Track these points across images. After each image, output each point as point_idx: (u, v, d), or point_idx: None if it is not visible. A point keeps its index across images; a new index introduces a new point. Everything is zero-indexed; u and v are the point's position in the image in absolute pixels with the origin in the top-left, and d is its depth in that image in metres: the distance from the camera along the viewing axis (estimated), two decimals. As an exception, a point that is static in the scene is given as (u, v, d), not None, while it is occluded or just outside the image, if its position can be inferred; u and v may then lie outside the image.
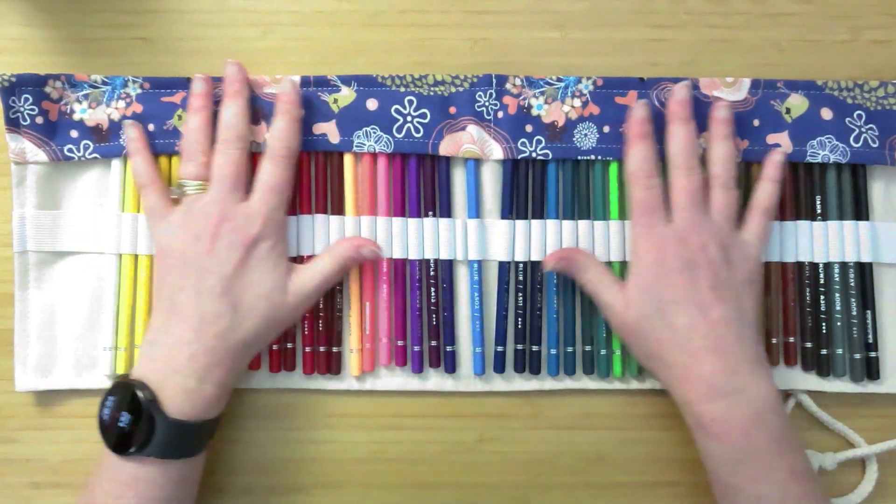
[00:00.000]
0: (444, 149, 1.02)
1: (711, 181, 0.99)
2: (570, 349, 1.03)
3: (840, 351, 1.03)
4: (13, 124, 1.02)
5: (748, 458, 0.91)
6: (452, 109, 1.02)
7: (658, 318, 0.95)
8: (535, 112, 1.02)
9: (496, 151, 1.02)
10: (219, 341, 0.93)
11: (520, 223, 1.03)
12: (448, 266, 1.03)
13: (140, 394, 0.90)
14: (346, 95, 1.02)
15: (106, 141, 1.02)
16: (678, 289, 0.94)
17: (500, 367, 1.03)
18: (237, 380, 0.99)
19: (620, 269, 1.03)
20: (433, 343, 1.03)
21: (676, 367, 0.94)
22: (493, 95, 1.02)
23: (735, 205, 0.99)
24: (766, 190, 1.01)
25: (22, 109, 1.01)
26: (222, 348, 0.93)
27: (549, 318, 1.03)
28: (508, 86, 1.03)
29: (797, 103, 1.03)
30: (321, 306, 1.03)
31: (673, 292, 0.94)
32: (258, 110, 1.02)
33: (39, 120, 1.02)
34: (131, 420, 0.90)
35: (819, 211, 1.04)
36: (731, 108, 1.01)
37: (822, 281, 1.03)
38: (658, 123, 1.01)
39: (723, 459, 0.92)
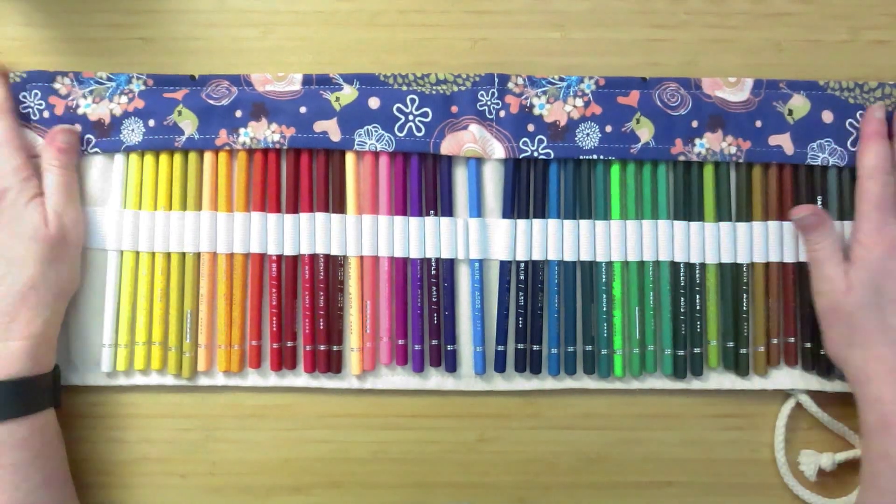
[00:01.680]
0: (446, 148, 1.02)
1: None
2: (570, 349, 1.02)
3: (839, 351, 1.02)
4: (24, 118, 1.03)
5: None
6: (454, 108, 1.02)
7: (875, 311, 0.95)
8: (536, 111, 1.02)
9: (498, 151, 1.02)
10: (6, 300, 0.94)
11: (521, 223, 1.03)
12: (449, 265, 1.03)
13: None
14: (348, 94, 1.02)
15: (107, 136, 1.03)
16: None
17: (500, 367, 1.03)
18: (49, 328, 0.97)
19: (621, 269, 1.03)
20: (434, 342, 1.03)
21: (879, 363, 0.94)
22: (495, 95, 1.02)
23: None
24: None
25: (32, 104, 1.02)
26: (13, 304, 0.94)
27: (549, 318, 1.03)
28: (510, 85, 1.03)
29: (799, 105, 1.03)
30: (322, 305, 1.03)
31: (894, 291, 0.95)
32: (259, 107, 1.02)
33: (46, 114, 1.03)
34: None
35: (820, 211, 1.03)
36: None
37: (822, 281, 1.03)
38: (659, 120, 1.02)
39: None
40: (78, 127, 1.02)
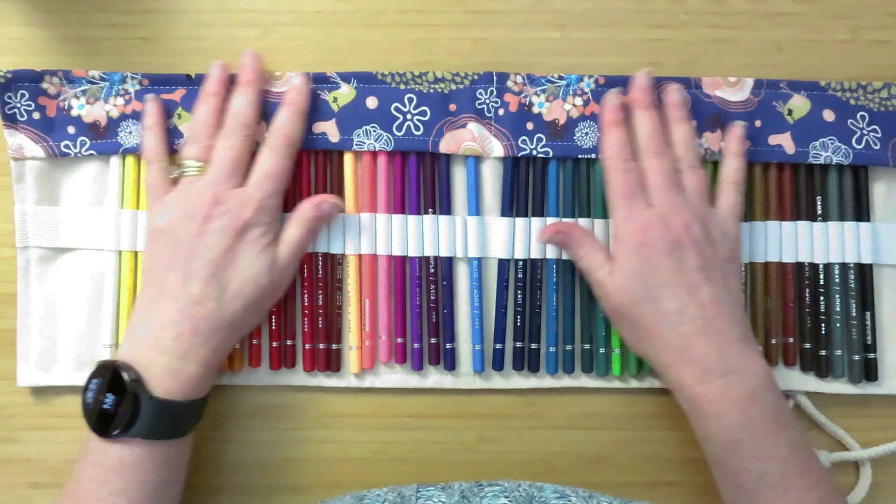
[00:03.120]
0: (445, 146, 1.02)
1: (678, 164, 0.99)
2: (568, 347, 1.03)
3: (839, 352, 1.03)
4: (10, 120, 1.02)
5: (748, 437, 0.90)
6: (453, 107, 1.03)
7: (647, 302, 0.94)
8: (536, 110, 1.03)
9: (497, 149, 1.02)
10: (204, 323, 0.92)
11: (520, 221, 1.03)
12: (448, 263, 1.03)
13: (124, 374, 0.89)
14: (346, 93, 1.02)
15: (103, 138, 1.03)
16: (665, 271, 0.94)
17: (498, 365, 1.03)
18: (222, 360, 0.97)
19: (620, 268, 1.02)
20: (433, 340, 1.03)
21: (669, 352, 0.94)
22: (494, 93, 1.02)
23: (705, 183, 0.99)
24: (732, 164, 1.01)
25: (19, 105, 1.02)
26: (207, 329, 0.92)
27: (548, 316, 1.03)
28: (509, 83, 1.03)
29: (799, 105, 1.03)
30: (321, 303, 1.03)
31: (660, 275, 0.94)
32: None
33: (36, 115, 1.02)
34: (115, 401, 0.89)
35: (820, 211, 1.04)
36: (682, 91, 1.02)
37: (821, 282, 1.03)
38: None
39: (722, 441, 0.91)
40: (342, 204, 1.03)
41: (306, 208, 0.99)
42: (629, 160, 0.98)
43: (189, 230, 0.94)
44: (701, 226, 0.95)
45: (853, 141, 1.03)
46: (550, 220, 1.03)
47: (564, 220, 1.03)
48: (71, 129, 1.02)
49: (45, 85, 1.02)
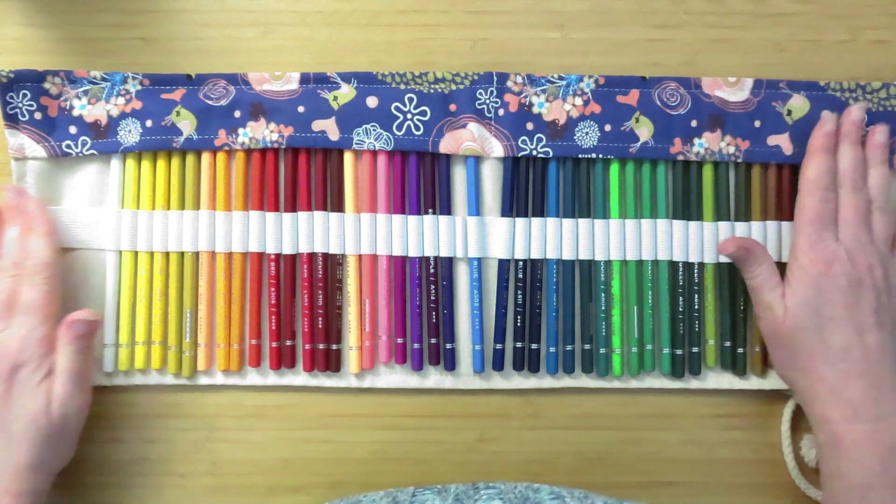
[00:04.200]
0: (445, 146, 1.02)
1: (870, 204, 0.99)
2: (569, 347, 1.03)
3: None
4: (12, 120, 1.02)
5: (879, 486, 0.90)
6: (453, 107, 1.02)
7: (814, 332, 0.94)
8: (536, 110, 1.03)
9: (497, 149, 1.02)
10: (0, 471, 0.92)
11: (520, 221, 1.03)
12: (448, 263, 1.03)
13: None
14: (346, 93, 1.02)
15: (104, 137, 1.03)
16: (840, 307, 0.93)
17: (498, 365, 1.03)
18: (37, 500, 0.94)
19: (619, 268, 1.03)
20: (433, 340, 1.03)
21: (823, 384, 0.93)
22: (494, 93, 1.02)
23: (892, 228, 0.99)
24: None
25: (20, 105, 1.02)
26: (5, 477, 0.92)
27: (548, 317, 1.03)
28: (509, 83, 1.03)
29: (799, 105, 1.03)
30: (321, 304, 1.03)
31: (833, 309, 0.94)
32: (257, 107, 1.02)
33: (38, 116, 1.02)
34: None
35: (819, 211, 1.03)
36: (886, 133, 1.01)
37: (822, 281, 1.03)
38: (658, 119, 1.02)
39: (852, 482, 0.91)
40: (97, 315, 0.99)
41: (61, 333, 0.97)
42: (828, 189, 0.98)
43: None
44: (883, 270, 0.95)
45: (851, 142, 1.03)
46: (550, 220, 1.03)
47: (744, 235, 1.03)
48: (72, 129, 1.02)
49: (46, 85, 1.02)
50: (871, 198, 0.98)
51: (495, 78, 1.03)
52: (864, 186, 0.98)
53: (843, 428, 0.91)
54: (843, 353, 0.92)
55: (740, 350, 1.03)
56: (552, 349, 1.03)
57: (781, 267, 1.00)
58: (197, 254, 1.03)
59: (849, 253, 0.95)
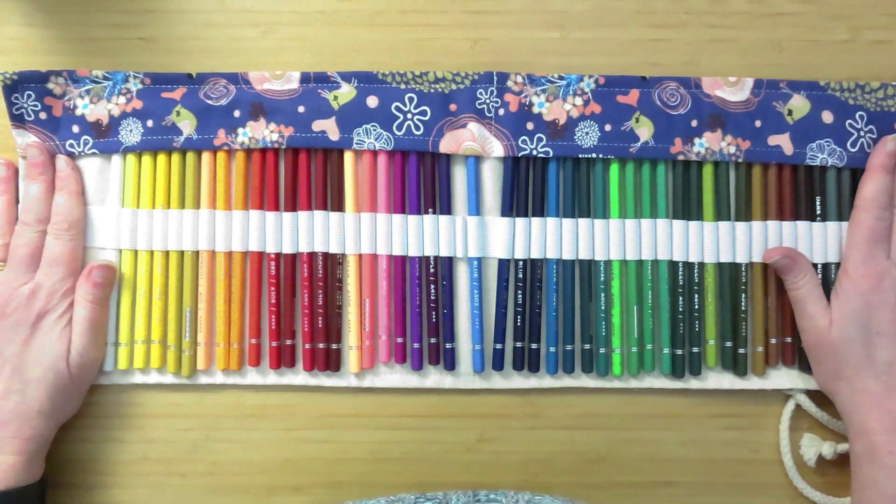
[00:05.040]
0: (445, 146, 1.02)
1: None
2: (568, 347, 1.02)
3: (839, 351, 1.02)
4: (18, 120, 1.02)
5: None
6: (453, 107, 1.02)
7: (861, 344, 0.96)
8: (536, 110, 1.02)
9: (497, 149, 1.02)
10: (12, 415, 0.96)
11: (520, 221, 1.03)
12: (448, 263, 1.03)
13: None
14: (347, 92, 1.02)
15: (105, 136, 1.03)
16: (887, 322, 0.96)
17: (498, 365, 1.03)
18: (40, 447, 0.98)
19: (619, 268, 1.03)
20: (432, 340, 1.03)
21: (866, 395, 0.95)
22: (494, 93, 1.02)
23: None
24: None
25: (25, 105, 1.02)
26: (17, 421, 0.96)
27: (548, 316, 1.03)
28: (509, 83, 1.03)
29: (799, 105, 1.03)
30: (321, 303, 1.03)
31: (881, 324, 0.96)
32: (257, 107, 1.02)
33: (43, 115, 1.02)
34: None
35: (819, 212, 1.03)
36: None
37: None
38: (659, 119, 1.03)
39: (886, 493, 0.93)
40: (114, 265, 1.03)
41: (81, 283, 1.01)
42: (885, 208, 0.99)
43: None
44: None
45: (848, 144, 1.03)
46: (550, 220, 1.03)
47: (786, 246, 1.04)
48: (75, 129, 1.03)
49: (50, 85, 1.03)
50: None
51: (495, 78, 1.03)
52: None
53: (882, 439, 0.93)
54: (888, 367, 0.95)
55: (741, 350, 1.03)
56: (552, 349, 1.03)
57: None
58: (197, 253, 1.03)
59: None
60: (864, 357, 0.95)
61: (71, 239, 1.00)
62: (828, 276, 1.02)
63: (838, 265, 1.03)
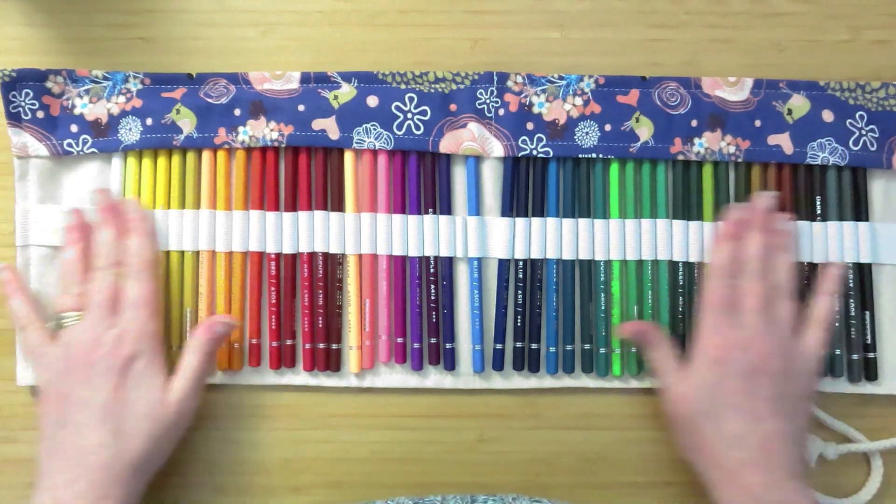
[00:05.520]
0: (445, 146, 1.02)
1: (774, 291, 0.99)
2: (569, 347, 1.03)
3: (838, 351, 1.03)
4: (14, 118, 1.02)
5: None
6: (453, 107, 1.03)
7: (710, 418, 0.94)
8: (536, 110, 1.03)
9: (497, 149, 1.02)
10: (104, 472, 0.89)
11: (520, 221, 1.03)
12: (448, 263, 1.03)
13: None
14: (347, 92, 1.02)
15: (104, 136, 1.03)
16: (736, 394, 0.94)
17: (498, 365, 1.03)
18: (137, 502, 0.93)
19: (619, 268, 1.03)
20: (433, 340, 1.03)
21: (722, 471, 0.93)
22: (494, 93, 1.03)
23: (795, 316, 0.99)
24: (825, 304, 1.01)
25: (23, 104, 1.02)
26: (110, 478, 0.89)
27: (548, 316, 1.03)
28: (510, 83, 1.03)
29: (799, 104, 1.03)
30: (321, 303, 1.03)
31: (730, 397, 0.94)
32: (257, 105, 1.03)
33: (40, 114, 1.02)
34: None
35: (819, 211, 1.04)
36: (793, 223, 1.03)
37: (821, 281, 1.03)
38: (659, 119, 1.03)
39: None
40: (237, 322, 1.02)
41: (199, 332, 0.99)
42: (736, 276, 0.99)
43: (73, 381, 0.93)
44: (782, 359, 0.95)
45: (850, 142, 1.03)
46: (550, 220, 1.03)
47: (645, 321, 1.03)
48: (74, 128, 1.03)
49: (49, 84, 1.03)
50: (776, 284, 0.99)
51: (495, 78, 1.03)
52: (768, 274, 0.99)
53: None
54: (738, 441, 0.92)
55: (740, 350, 1.03)
56: (552, 349, 1.03)
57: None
58: (197, 253, 1.03)
59: (747, 339, 0.96)
60: (717, 430, 0.93)
61: (151, 280, 0.98)
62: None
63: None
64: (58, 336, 0.96)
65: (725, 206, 1.03)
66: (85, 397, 0.92)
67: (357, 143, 1.02)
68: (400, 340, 1.03)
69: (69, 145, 1.02)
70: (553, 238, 1.03)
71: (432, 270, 1.03)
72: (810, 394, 0.98)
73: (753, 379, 0.93)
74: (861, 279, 1.04)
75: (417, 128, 1.02)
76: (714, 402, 0.94)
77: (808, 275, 1.03)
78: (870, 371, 1.03)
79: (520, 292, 1.03)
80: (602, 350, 1.03)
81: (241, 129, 1.02)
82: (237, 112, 1.03)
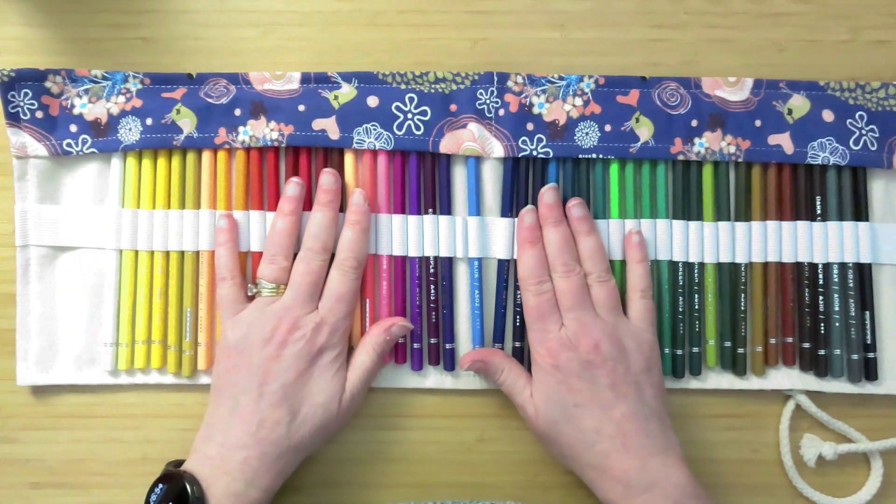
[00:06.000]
0: (445, 146, 1.02)
1: (588, 278, 1.00)
2: (568, 347, 1.02)
3: (838, 351, 1.03)
4: (13, 118, 1.02)
5: None
6: (453, 107, 1.03)
7: (565, 423, 0.95)
8: (536, 110, 1.03)
9: (497, 149, 1.02)
10: (272, 448, 0.93)
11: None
12: (448, 263, 1.03)
13: (190, 488, 0.90)
14: (347, 92, 1.02)
15: (104, 136, 1.03)
16: (580, 392, 0.95)
17: (499, 365, 1.02)
18: (281, 483, 0.96)
19: (620, 268, 1.03)
20: (433, 340, 1.03)
21: (592, 469, 0.94)
22: (495, 93, 1.02)
23: (615, 294, 1.00)
24: (637, 272, 1.02)
25: (22, 104, 1.02)
26: (274, 454, 0.93)
27: (548, 316, 1.03)
28: (510, 84, 1.03)
29: (799, 104, 1.03)
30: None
31: (575, 396, 0.95)
32: (257, 105, 1.02)
33: (39, 114, 1.02)
34: None
35: (819, 211, 1.04)
36: (584, 205, 1.02)
37: (821, 281, 1.03)
38: (659, 119, 1.03)
39: None
40: (411, 326, 1.03)
41: (376, 334, 1.01)
42: (543, 281, 0.99)
43: (265, 353, 0.95)
44: (611, 342, 0.96)
45: (850, 142, 1.03)
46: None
47: (484, 348, 1.04)
48: (73, 128, 1.02)
49: (48, 84, 1.02)
50: (587, 271, 1.00)
51: (495, 78, 1.03)
52: (576, 265, 0.99)
53: None
54: (596, 435, 0.93)
55: (740, 350, 1.03)
56: (552, 349, 1.02)
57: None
58: (197, 253, 1.03)
59: (572, 338, 0.96)
60: (574, 432, 0.94)
61: (357, 278, 0.99)
62: (828, 276, 1.03)
63: (839, 265, 1.03)
64: (253, 300, 1.00)
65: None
66: (273, 372, 0.95)
67: (357, 143, 1.02)
68: (400, 340, 1.03)
69: (68, 145, 1.02)
70: (553, 238, 1.02)
71: (432, 270, 1.03)
72: (651, 365, 0.98)
73: (590, 372, 0.95)
74: (861, 279, 1.04)
75: (417, 128, 1.02)
76: (564, 407, 0.95)
77: (808, 274, 1.03)
78: (870, 371, 1.03)
79: (520, 292, 1.03)
80: (601, 350, 1.02)
81: (241, 129, 1.02)
82: (237, 112, 1.02)
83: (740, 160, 1.03)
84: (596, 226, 1.02)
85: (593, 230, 1.01)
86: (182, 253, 1.03)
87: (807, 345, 1.03)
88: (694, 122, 1.02)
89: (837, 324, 1.03)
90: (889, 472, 1.03)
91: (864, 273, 1.04)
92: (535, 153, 1.02)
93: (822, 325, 1.03)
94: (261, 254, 1.02)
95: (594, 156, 1.02)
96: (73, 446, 1.03)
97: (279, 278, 0.98)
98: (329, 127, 1.02)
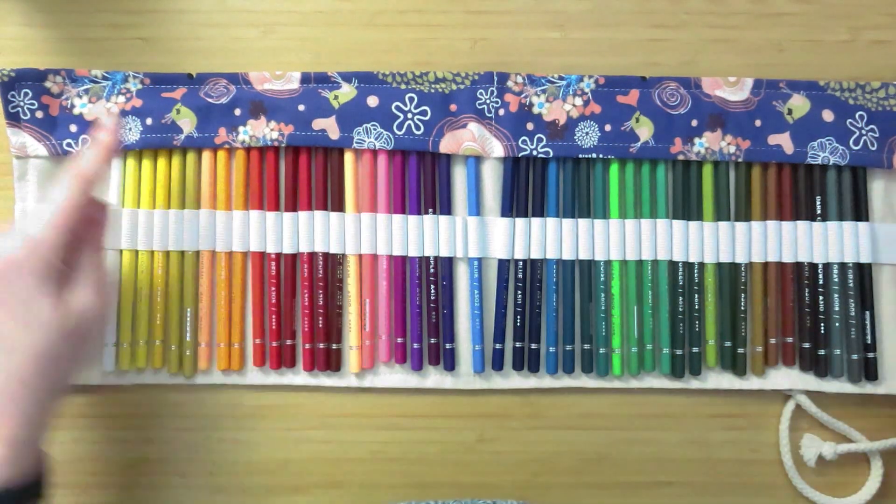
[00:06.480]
0: (445, 146, 1.02)
1: None
2: (568, 347, 1.02)
3: (838, 351, 1.03)
4: (13, 119, 1.02)
5: None
6: (453, 107, 1.02)
7: None
8: (536, 110, 1.03)
9: (497, 149, 1.02)
10: None
11: (520, 221, 1.03)
12: (448, 263, 1.03)
13: None
14: (347, 92, 1.02)
15: (104, 136, 1.02)
16: None
17: (498, 365, 1.03)
18: (40, 433, 0.84)
19: (619, 268, 1.03)
20: (433, 340, 1.03)
21: None
22: (495, 93, 1.02)
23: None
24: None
25: (22, 104, 1.02)
26: (3, 398, 0.80)
27: (548, 316, 1.03)
28: (510, 83, 1.03)
29: (799, 104, 1.03)
30: (321, 303, 1.03)
31: None
32: (257, 105, 1.03)
33: (39, 114, 1.02)
34: None
35: (819, 211, 1.03)
36: None
37: (821, 281, 1.03)
38: (659, 119, 1.03)
39: None
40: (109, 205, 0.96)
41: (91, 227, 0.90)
42: None
43: None
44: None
45: (851, 142, 1.03)
46: (550, 221, 1.03)
47: None
48: (73, 128, 1.02)
49: (48, 84, 1.02)
50: None
51: (495, 78, 1.03)
52: None
53: None
54: None
55: (740, 350, 1.03)
56: (552, 349, 1.03)
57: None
58: (197, 253, 1.03)
59: None
60: None
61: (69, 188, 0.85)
62: (828, 276, 1.03)
63: (839, 265, 1.03)
64: None
65: (726, 206, 1.03)
66: None
67: (357, 143, 1.02)
68: (400, 340, 1.03)
69: (68, 145, 1.02)
70: (553, 238, 1.02)
71: (432, 270, 1.03)
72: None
73: None
74: (861, 279, 1.03)
75: (417, 128, 1.02)
76: None
77: (809, 274, 1.03)
78: (870, 371, 1.03)
79: (520, 292, 1.03)
80: (602, 350, 1.03)
81: (241, 128, 1.02)
82: (237, 112, 1.02)
83: (740, 160, 1.03)
84: None
85: None
86: (182, 253, 1.03)
87: (807, 345, 1.03)
88: (694, 122, 1.02)
89: (837, 324, 1.02)
90: (889, 472, 1.03)
91: (864, 273, 1.03)
92: (535, 153, 1.02)
93: (822, 325, 1.03)
94: (260, 254, 1.03)
95: (594, 156, 1.02)
96: (73, 446, 1.03)
97: None
98: (329, 127, 1.02)
